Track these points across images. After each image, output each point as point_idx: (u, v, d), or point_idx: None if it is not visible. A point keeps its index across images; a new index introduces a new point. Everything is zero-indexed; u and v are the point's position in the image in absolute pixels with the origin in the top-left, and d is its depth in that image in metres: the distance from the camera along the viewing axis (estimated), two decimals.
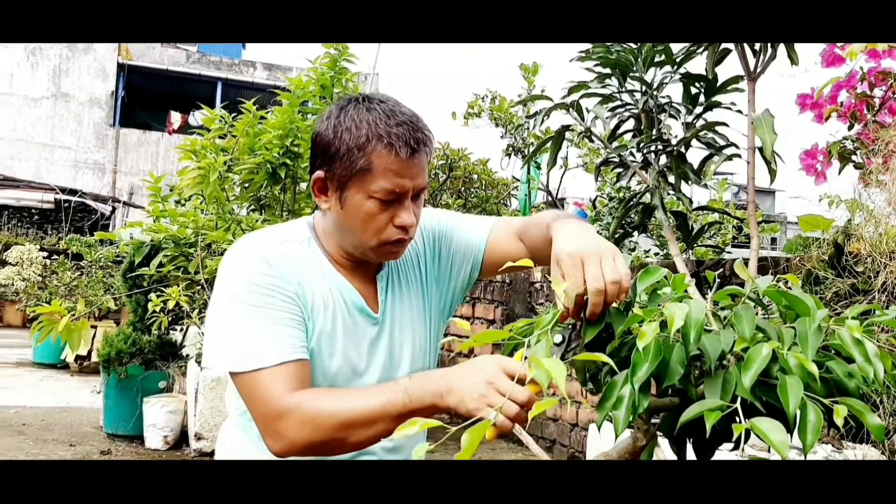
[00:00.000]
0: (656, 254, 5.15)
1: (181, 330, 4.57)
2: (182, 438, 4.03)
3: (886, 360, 1.09)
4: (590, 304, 1.20)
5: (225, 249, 3.79)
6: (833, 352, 1.20)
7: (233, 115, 4.05)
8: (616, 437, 1.13)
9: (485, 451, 4.32)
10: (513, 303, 4.98)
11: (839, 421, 0.98)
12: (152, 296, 4.00)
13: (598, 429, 1.15)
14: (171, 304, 3.87)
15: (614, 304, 1.25)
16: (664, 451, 1.85)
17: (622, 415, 1.11)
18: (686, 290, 1.30)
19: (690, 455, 1.35)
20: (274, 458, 1.38)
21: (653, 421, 1.32)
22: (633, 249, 5.06)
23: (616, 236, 3.48)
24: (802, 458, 1.02)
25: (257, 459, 1.41)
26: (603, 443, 2.24)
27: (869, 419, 1.01)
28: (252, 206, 4.26)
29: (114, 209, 15.67)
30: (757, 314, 1.21)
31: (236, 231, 3.97)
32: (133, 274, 4.26)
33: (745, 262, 2.74)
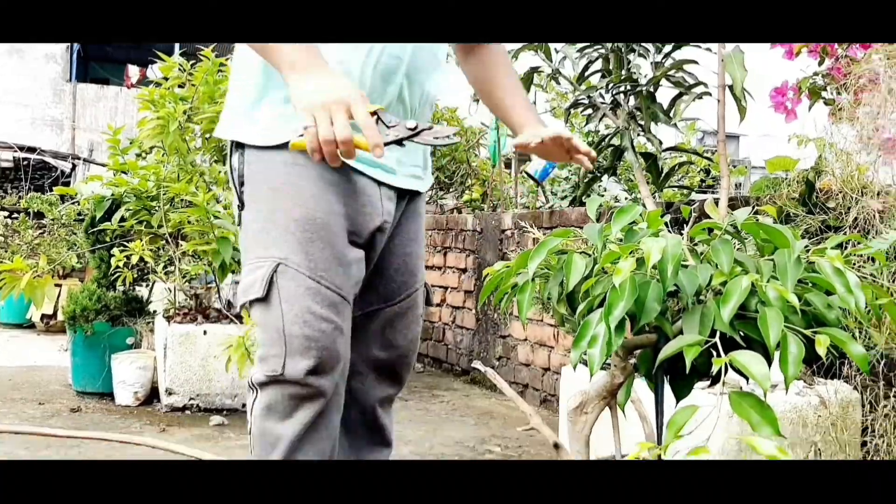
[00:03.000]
0: (625, 199, 5.14)
1: (147, 286, 4.49)
2: (153, 394, 3.99)
3: (867, 291, 1.07)
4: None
5: (189, 203, 3.71)
6: (811, 285, 1.18)
7: (192, 62, 3.92)
8: (591, 375, 1.10)
9: (459, 398, 4.34)
10: (484, 251, 4.96)
11: (822, 351, 0.97)
12: (115, 251, 3.90)
13: (574, 368, 1.13)
14: (134, 260, 3.79)
15: (577, 251, 1.23)
16: (639, 389, 1.84)
17: (597, 353, 1.09)
18: (661, 227, 1.27)
19: (668, 392, 1.34)
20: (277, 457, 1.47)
21: (630, 359, 1.30)
22: (603, 195, 5.05)
23: (585, 180, 3.45)
24: (784, 391, 1.01)
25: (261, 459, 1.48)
26: (576, 383, 2.23)
27: (852, 349, 0.99)
28: (215, 157, 4.16)
29: (74, 166, 15.33)
30: (734, 248, 1.19)
31: (199, 183, 3.88)
32: (95, 229, 4.16)
33: (715, 202, 2.73)
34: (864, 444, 2.17)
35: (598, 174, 3.27)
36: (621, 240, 1.23)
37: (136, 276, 4.24)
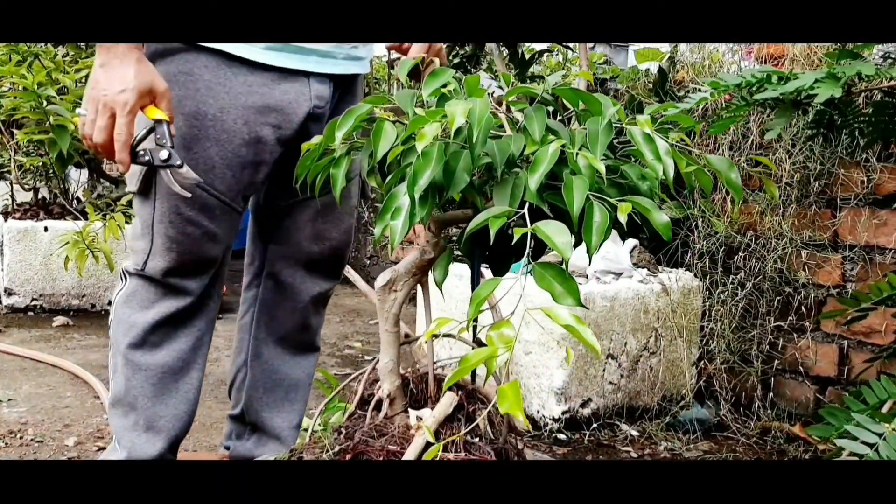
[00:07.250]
0: (490, 85, 5.04)
1: None
2: None
3: (680, 159, 1.03)
4: None
5: (25, 87, 3.37)
6: (635, 161, 1.13)
7: None
8: (391, 249, 1.03)
9: None
10: None
11: (623, 218, 0.92)
12: None
13: (375, 245, 1.06)
14: None
15: (389, 119, 1.14)
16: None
17: (399, 226, 1.01)
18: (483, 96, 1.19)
19: (486, 270, 1.29)
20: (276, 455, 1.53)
21: (447, 235, 1.24)
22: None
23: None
24: (587, 260, 0.97)
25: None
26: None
27: (655, 217, 0.95)
28: None
29: None
30: (549, 117, 1.12)
31: (35, 66, 3.54)
32: None
33: None
34: (702, 328, 2.23)
35: (464, 62, 3.16)
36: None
37: None
